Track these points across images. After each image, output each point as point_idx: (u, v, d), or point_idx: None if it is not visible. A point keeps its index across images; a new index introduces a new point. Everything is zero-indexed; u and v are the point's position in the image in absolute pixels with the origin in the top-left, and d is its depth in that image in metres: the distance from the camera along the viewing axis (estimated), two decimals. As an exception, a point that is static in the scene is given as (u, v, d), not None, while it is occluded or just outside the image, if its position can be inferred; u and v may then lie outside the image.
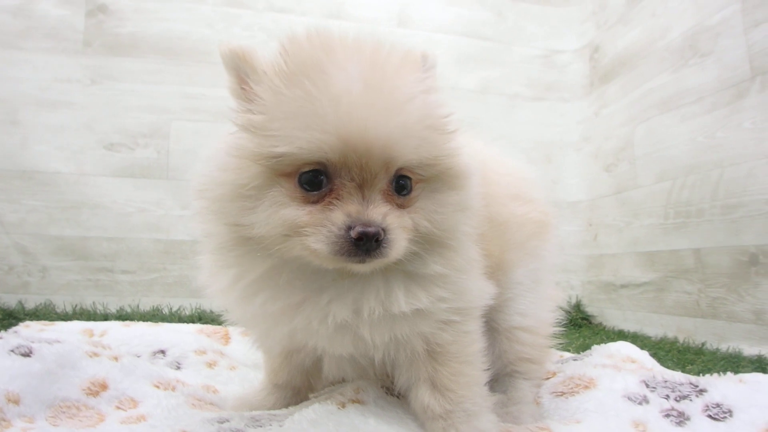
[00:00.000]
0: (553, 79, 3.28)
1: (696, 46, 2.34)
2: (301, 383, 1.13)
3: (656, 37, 2.60)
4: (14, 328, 1.54)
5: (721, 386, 0.97)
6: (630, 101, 2.77)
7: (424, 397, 0.89)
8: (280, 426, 0.90)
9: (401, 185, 0.78)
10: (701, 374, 1.11)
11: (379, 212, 0.74)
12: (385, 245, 0.73)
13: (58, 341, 1.07)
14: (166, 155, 2.71)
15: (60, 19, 2.67)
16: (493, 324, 1.08)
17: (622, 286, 2.75)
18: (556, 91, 3.27)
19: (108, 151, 2.66)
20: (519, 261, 1.11)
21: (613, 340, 2.05)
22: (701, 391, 0.98)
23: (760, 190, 1.99)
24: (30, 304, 2.41)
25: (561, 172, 3.20)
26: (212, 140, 0.87)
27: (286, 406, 1.11)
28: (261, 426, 0.93)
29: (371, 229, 0.72)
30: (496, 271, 1.02)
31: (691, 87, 2.36)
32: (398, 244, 0.75)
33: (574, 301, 2.98)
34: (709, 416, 0.92)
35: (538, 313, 1.13)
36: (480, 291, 0.93)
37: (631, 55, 2.80)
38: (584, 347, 1.88)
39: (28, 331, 1.51)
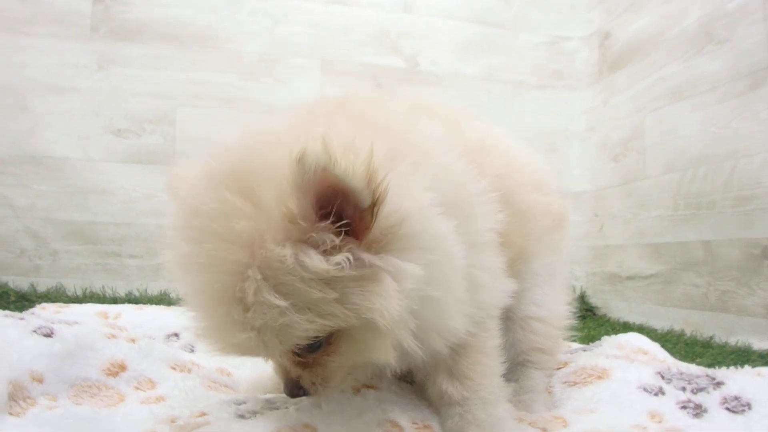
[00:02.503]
0: (559, 67, 3.24)
1: (712, 34, 2.29)
2: None
3: (669, 24, 2.54)
4: (31, 310, 1.55)
5: (739, 379, 0.97)
6: (640, 90, 2.73)
7: (442, 383, 0.89)
8: (297, 409, 0.91)
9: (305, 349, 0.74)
10: (713, 368, 1.11)
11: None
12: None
13: (77, 323, 1.08)
14: (172, 141, 2.71)
15: (67, 4, 2.66)
16: (507, 313, 1.08)
17: (628, 278, 2.74)
18: (562, 79, 3.23)
19: (115, 137, 2.67)
20: (538, 252, 1.11)
21: (618, 331, 2.05)
22: (718, 384, 0.97)
23: (775, 182, 1.97)
24: (41, 287, 2.43)
25: (566, 161, 3.18)
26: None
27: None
28: (277, 408, 0.94)
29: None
30: (517, 260, 1.01)
31: (704, 75, 2.31)
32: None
33: (578, 292, 2.98)
34: (727, 409, 0.91)
35: (553, 304, 1.14)
36: (501, 291, 0.93)
37: (642, 42, 2.74)
38: (590, 338, 1.89)
39: (45, 312, 1.53)
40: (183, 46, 2.76)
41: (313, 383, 0.78)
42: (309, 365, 0.77)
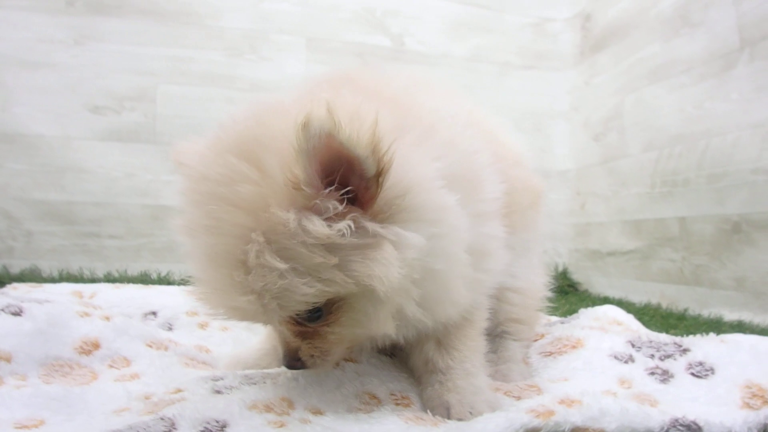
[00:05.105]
0: (544, 48, 3.25)
1: (686, 16, 2.34)
2: None
3: (647, 6, 2.59)
4: (2, 290, 1.53)
5: (704, 346, 1.00)
6: (620, 71, 2.77)
7: (429, 351, 0.91)
8: (274, 383, 0.91)
9: (305, 317, 0.75)
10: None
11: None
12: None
13: (48, 301, 1.07)
14: (152, 119, 2.66)
15: (41, -25, 2.57)
16: None
17: (609, 254, 2.79)
18: (546, 60, 3.25)
19: (93, 114, 2.61)
20: (515, 227, 1.12)
21: (598, 305, 2.09)
22: (685, 351, 1.00)
23: (745, 159, 2.02)
24: (15, 269, 2.38)
25: (550, 141, 3.21)
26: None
27: (280, 366, 1.12)
28: (255, 383, 0.94)
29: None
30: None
31: (680, 57, 2.36)
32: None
33: (560, 268, 3.03)
34: (692, 374, 0.94)
35: (529, 276, 1.16)
36: (503, 262, 0.94)
37: (622, 24, 2.78)
38: (571, 313, 1.91)
39: (16, 292, 1.50)
40: (164, 21, 2.69)
41: (312, 355, 0.79)
42: (309, 336, 0.78)
